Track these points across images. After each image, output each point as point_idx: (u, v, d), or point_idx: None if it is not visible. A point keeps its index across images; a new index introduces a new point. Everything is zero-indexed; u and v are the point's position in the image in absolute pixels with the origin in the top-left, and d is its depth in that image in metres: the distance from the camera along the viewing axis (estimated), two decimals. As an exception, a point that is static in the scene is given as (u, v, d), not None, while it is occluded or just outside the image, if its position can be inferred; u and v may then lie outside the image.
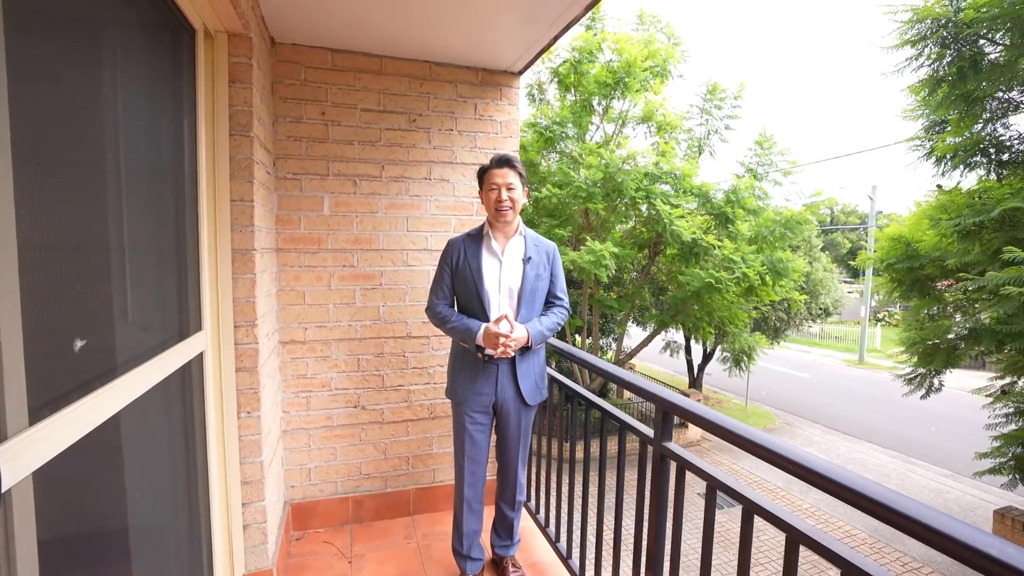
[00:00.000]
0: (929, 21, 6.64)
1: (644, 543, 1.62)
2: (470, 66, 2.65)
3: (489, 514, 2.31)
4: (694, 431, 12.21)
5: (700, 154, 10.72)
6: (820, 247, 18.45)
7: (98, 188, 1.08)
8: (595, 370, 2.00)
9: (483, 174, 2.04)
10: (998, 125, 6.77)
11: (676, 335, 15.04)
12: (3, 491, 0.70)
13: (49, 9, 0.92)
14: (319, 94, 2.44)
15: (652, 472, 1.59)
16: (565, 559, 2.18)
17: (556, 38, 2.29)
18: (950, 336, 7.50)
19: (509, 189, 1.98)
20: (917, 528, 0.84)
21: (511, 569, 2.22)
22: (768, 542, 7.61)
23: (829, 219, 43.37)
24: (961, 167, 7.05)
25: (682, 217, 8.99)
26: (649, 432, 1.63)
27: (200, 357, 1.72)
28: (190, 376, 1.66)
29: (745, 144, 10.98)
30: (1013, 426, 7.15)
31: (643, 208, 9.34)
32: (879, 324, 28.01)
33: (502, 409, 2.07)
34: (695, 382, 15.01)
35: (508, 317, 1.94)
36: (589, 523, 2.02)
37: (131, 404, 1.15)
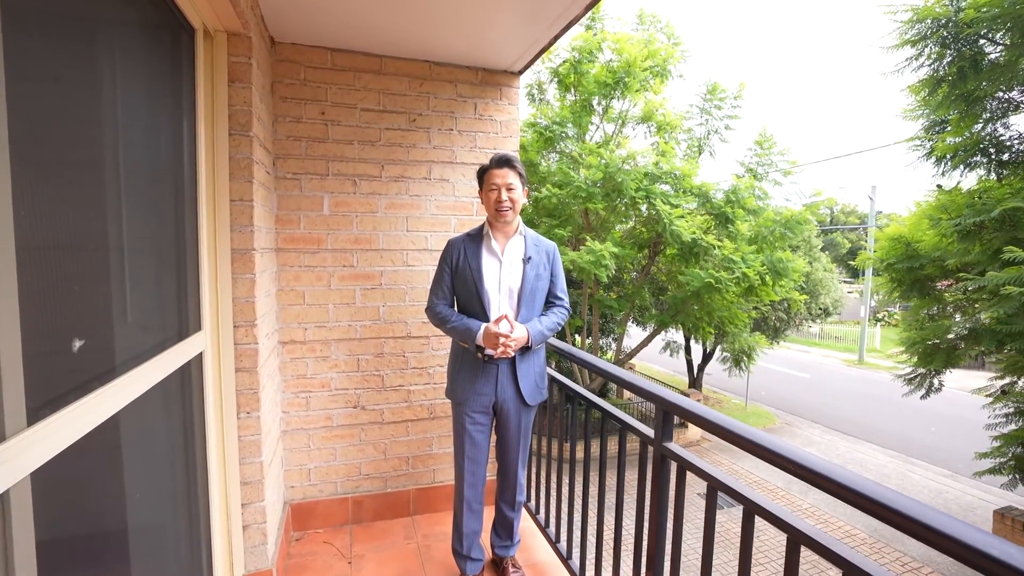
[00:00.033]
0: (929, 21, 6.64)
1: (644, 544, 1.62)
2: (470, 66, 2.64)
3: (489, 514, 2.31)
4: (694, 431, 12.21)
5: (700, 154, 10.72)
6: (820, 247, 18.46)
7: (97, 188, 1.07)
8: (595, 370, 2.00)
9: (483, 174, 2.04)
10: (998, 125, 6.77)
11: (676, 335, 15.04)
12: (1, 492, 0.69)
13: (47, 8, 0.92)
14: (319, 94, 2.44)
15: (652, 472, 1.58)
16: (565, 559, 2.18)
17: (556, 38, 2.29)
18: (950, 336, 7.50)
19: (509, 189, 1.98)
20: (917, 528, 0.84)
21: (511, 569, 2.22)
22: (768, 542, 7.61)
23: (829, 219, 43.38)
24: (961, 167, 7.05)
25: (682, 217, 8.99)
26: (649, 432, 1.63)
27: (199, 357, 1.72)
28: (189, 376, 1.66)
29: (745, 144, 10.99)
30: (1013, 426, 7.15)
31: (643, 208, 9.34)
32: (879, 324, 28.03)
33: (502, 409, 2.07)
34: (695, 382, 15.01)
35: (508, 317, 1.94)
36: (589, 523, 2.02)
37: (130, 404, 1.14)
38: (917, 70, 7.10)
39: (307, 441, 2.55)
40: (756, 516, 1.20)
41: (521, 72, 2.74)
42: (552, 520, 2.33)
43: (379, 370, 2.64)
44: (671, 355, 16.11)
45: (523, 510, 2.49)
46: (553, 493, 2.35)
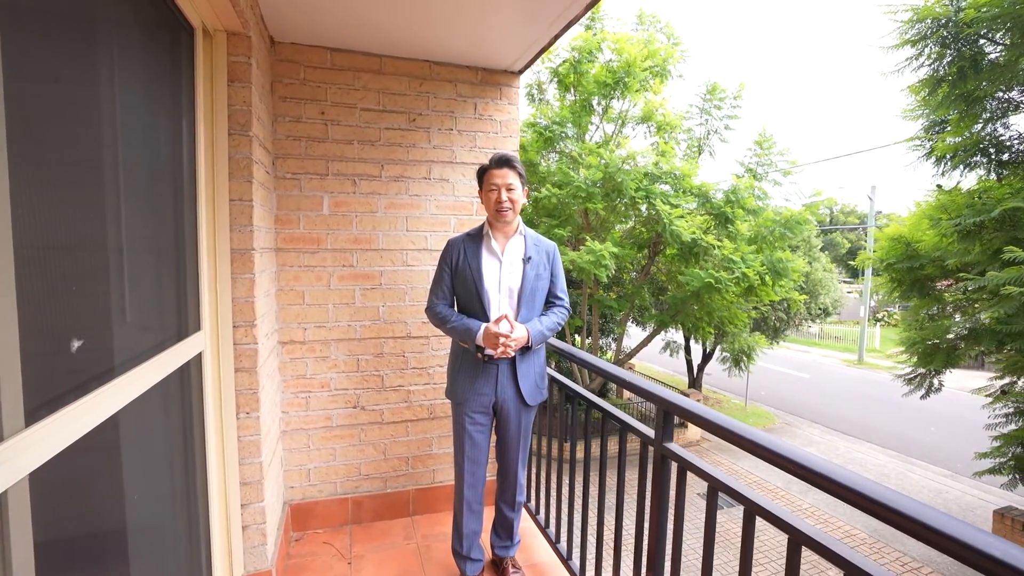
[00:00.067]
0: (929, 21, 6.64)
1: (645, 544, 1.61)
2: (470, 65, 2.64)
3: (489, 515, 2.31)
4: (694, 431, 12.21)
5: (700, 154, 10.72)
6: (819, 247, 18.46)
7: (96, 187, 1.07)
8: (595, 370, 2.00)
9: (483, 174, 2.03)
10: (998, 125, 6.77)
11: (676, 335, 15.04)
12: (-2, 493, 0.69)
13: (45, 7, 0.91)
14: (318, 93, 2.43)
15: (653, 473, 1.58)
16: (565, 560, 2.17)
17: (556, 37, 2.28)
18: (950, 336, 7.50)
19: (509, 190, 1.97)
20: (917, 528, 0.84)
21: (511, 570, 2.22)
22: (768, 542, 7.61)
23: (828, 219, 43.43)
24: (961, 167, 7.05)
25: (682, 217, 8.99)
26: (650, 433, 1.63)
27: (199, 357, 1.72)
28: (189, 377, 1.66)
29: (745, 144, 10.99)
30: (1013, 426, 7.15)
31: (643, 208, 9.34)
32: (878, 324, 28.06)
33: (502, 409, 2.06)
34: (695, 382, 15.01)
35: (508, 317, 1.93)
36: (589, 524, 2.02)
37: (129, 405, 1.14)
38: (917, 70, 7.11)
39: (307, 441, 2.55)
40: (757, 517, 1.19)
41: (521, 72, 2.73)
42: (552, 520, 2.33)
43: (379, 370, 2.64)
44: (671, 355, 16.12)
45: (523, 510, 2.48)
46: (553, 493, 2.35)
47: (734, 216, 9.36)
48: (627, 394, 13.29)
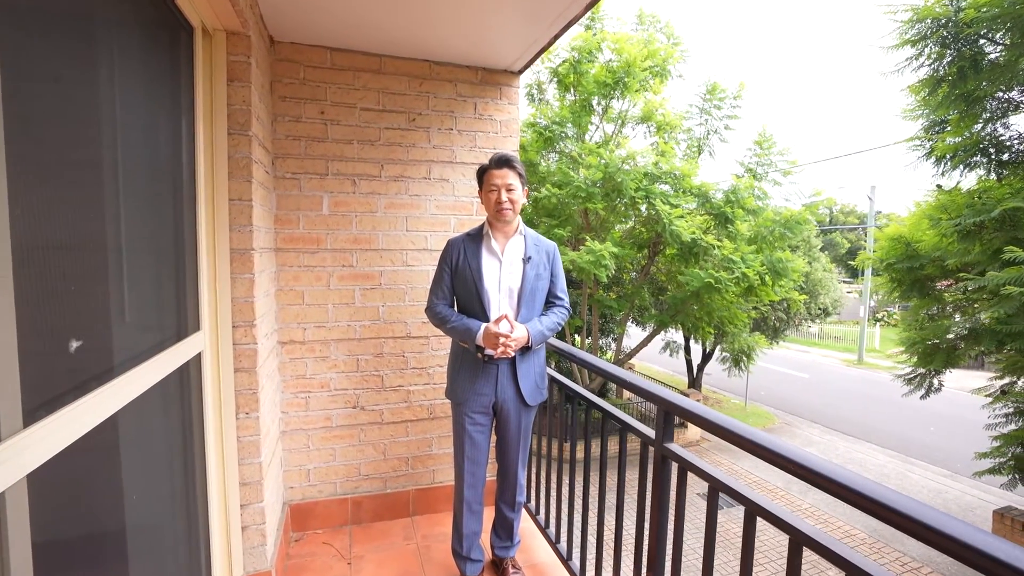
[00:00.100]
0: (929, 21, 6.64)
1: (645, 544, 1.61)
2: (470, 65, 2.64)
3: (489, 515, 2.30)
4: (693, 431, 12.21)
5: (699, 154, 10.72)
6: (819, 247, 18.46)
7: (94, 187, 1.06)
8: (595, 370, 1.99)
9: (482, 174, 2.03)
10: (998, 125, 6.77)
11: (675, 335, 15.04)
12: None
13: (44, 6, 0.91)
14: (318, 93, 2.43)
15: (653, 473, 1.58)
16: (565, 560, 2.17)
17: (556, 37, 2.28)
18: (950, 336, 7.51)
19: (509, 190, 1.97)
20: (917, 528, 0.84)
21: (511, 570, 2.21)
22: (768, 542, 7.61)
23: (828, 219, 43.45)
24: (961, 167, 7.05)
25: (681, 217, 8.99)
26: (650, 433, 1.62)
27: (198, 357, 1.71)
28: (188, 377, 1.65)
29: (745, 144, 10.99)
30: (1013, 426, 7.15)
31: (642, 208, 9.34)
32: (878, 324, 28.06)
33: (502, 410, 2.06)
34: (694, 382, 15.01)
35: (508, 317, 1.93)
36: (589, 524, 2.01)
37: (128, 405, 1.14)
38: (917, 70, 7.11)
39: (306, 442, 2.54)
40: (758, 517, 1.19)
41: (521, 72, 2.73)
42: (552, 521, 2.33)
43: (379, 370, 2.63)
44: (671, 355, 16.12)
45: (523, 511, 2.48)
46: (553, 493, 2.35)
47: (734, 216, 9.36)
48: (627, 394, 13.28)
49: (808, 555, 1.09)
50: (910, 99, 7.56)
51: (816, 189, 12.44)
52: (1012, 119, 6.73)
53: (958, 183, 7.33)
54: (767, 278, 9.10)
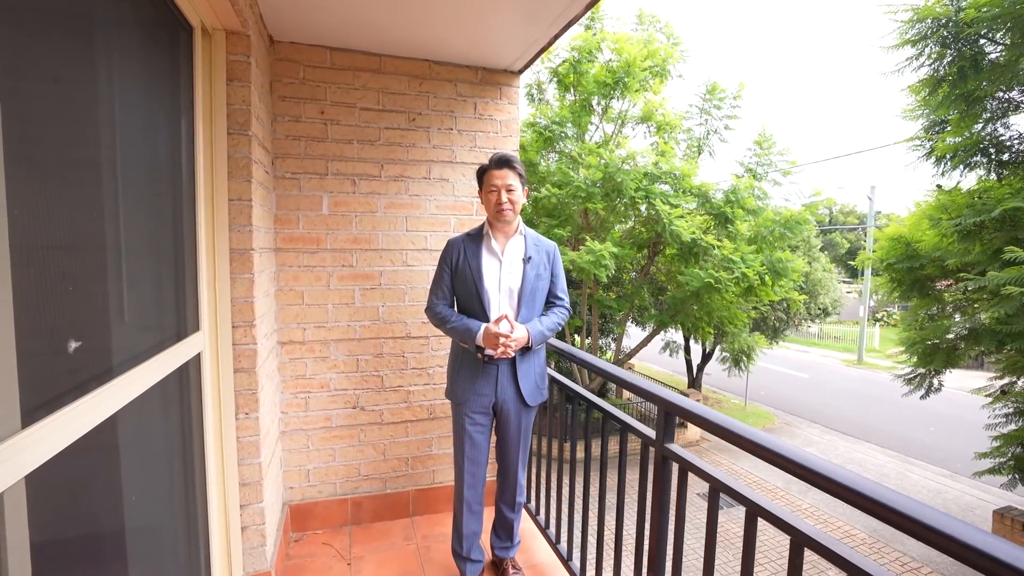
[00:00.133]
0: (930, 20, 6.64)
1: (646, 545, 1.61)
2: (470, 65, 2.63)
3: (489, 515, 2.30)
4: (693, 431, 12.21)
5: (699, 154, 10.72)
6: (819, 247, 18.46)
7: (94, 187, 1.06)
8: (595, 370, 1.99)
9: (482, 175, 2.02)
10: (998, 125, 6.77)
11: (675, 335, 15.04)
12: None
13: (43, 6, 0.91)
14: (318, 93, 2.43)
15: (654, 474, 1.57)
16: (566, 560, 2.17)
17: (556, 37, 2.28)
18: (950, 336, 7.50)
19: (509, 191, 1.96)
20: (917, 528, 0.84)
21: (511, 571, 2.21)
22: (768, 542, 7.60)
23: (828, 219, 43.46)
24: (961, 167, 7.05)
25: (681, 217, 8.98)
26: (651, 434, 1.62)
27: (198, 358, 1.71)
28: (188, 377, 1.65)
29: (744, 144, 10.98)
30: (1013, 426, 7.15)
31: (642, 208, 9.33)
32: (877, 324, 28.07)
33: (502, 410, 2.06)
34: (694, 382, 15.01)
35: (508, 317, 1.93)
36: (590, 524, 2.01)
37: (127, 406, 1.13)
38: (917, 70, 7.11)
39: (306, 442, 2.54)
40: (759, 518, 1.19)
41: (521, 71, 2.73)
42: (552, 521, 2.32)
43: (378, 370, 2.63)
44: (670, 355, 16.12)
45: (523, 511, 2.48)
46: (553, 494, 2.34)
47: (734, 216, 9.36)
48: (627, 394, 13.29)
49: (808, 555, 1.09)
50: (910, 99, 7.56)
51: (816, 189, 12.45)
52: (1012, 119, 6.73)
53: (958, 183, 7.34)
54: (767, 278, 9.10)
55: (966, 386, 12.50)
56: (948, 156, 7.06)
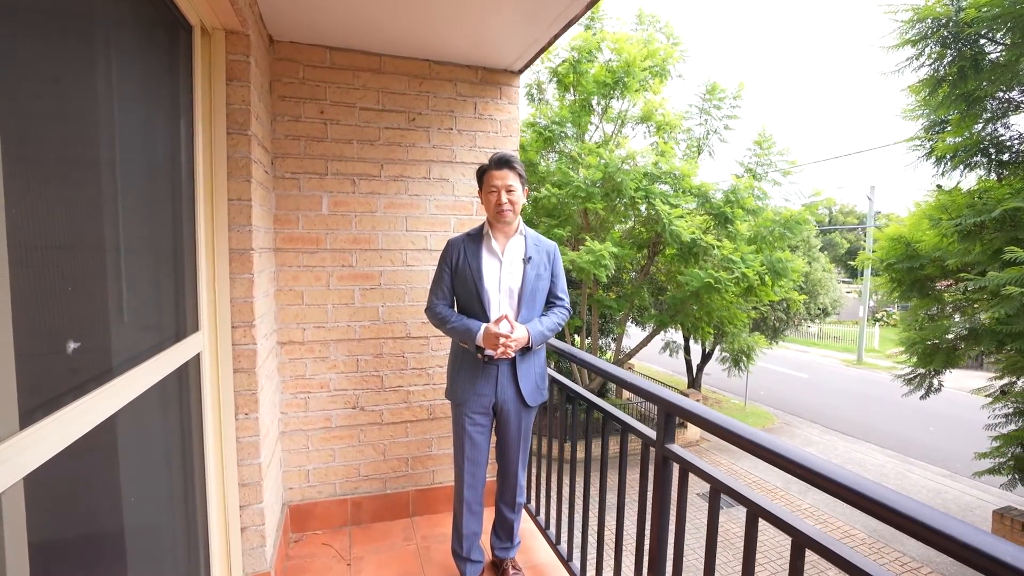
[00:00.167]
0: (930, 20, 6.64)
1: (647, 546, 1.60)
2: (470, 65, 2.63)
3: (489, 516, 2.30)
4: (693, 431, 12.21)
5: (699, 154, 10.72)
6: (819, 247, 18.46)
7: (93, 187, 1.06)
8: (596, 371, 1.99)
9: (482, 175, 2.02)
10: (998, 125, 6.77)
11: (675, 335, 15.04)
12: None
13: (41, 5, 0.90)
14: (318, 92, 2.42)
15: (655, 474, 1.57)
16: (566, 561, 2.16)
17: (556, 37, 2.27)
18: (949, 336, 7.51)
19: (509, 191, 1.96)
20: (917, 528, 0.83)
21: (511, 571, 2.21)
22: (767, 542, 7.60)
23: (827, 219, 43.47)
24: (961, 167, 7.05)
25: (681, 217, 8.98)
26: (651, 434, 1.62)
27: (197, 358, 1.70)
28: (187, 377, 1.64)
29: (744, 144, 10.99)
30: (1012, 426, 7.15)
31: (642, 208, 9.33)
32: (877, 324, 28.08)
33: (502, 410, 2.05)
34: (694, 382, 15.01)
35: (508, 317, 1.92)
36: (590, 525, 2.01)
37: (126, 406, 1.13)
38: (917, 70, 7.10)
39: (306, 442, 2.54)
40: (760, 519, 1.19)
41: (521, 71, 2.72)
42: (552, 521, 2.32)
43: (378, 371, 2.63)
44: (670, 355, 16.12)
45: (523, 511, 2.47)
46: (553, 494, 2.34)
47: (734, 216, 9.36)
48: (626, 394, 13.29)
49: (807, 555, 1.08)
50: (910, 99, 7.56)
51: (816, 189, 12.46)
52: (1012, 119, 6.73)
53: (958, 183, 7.34)
54: (767, 278, 9.10)
55: (966, 386, 12.51)
56: (948, 156, 7.06)
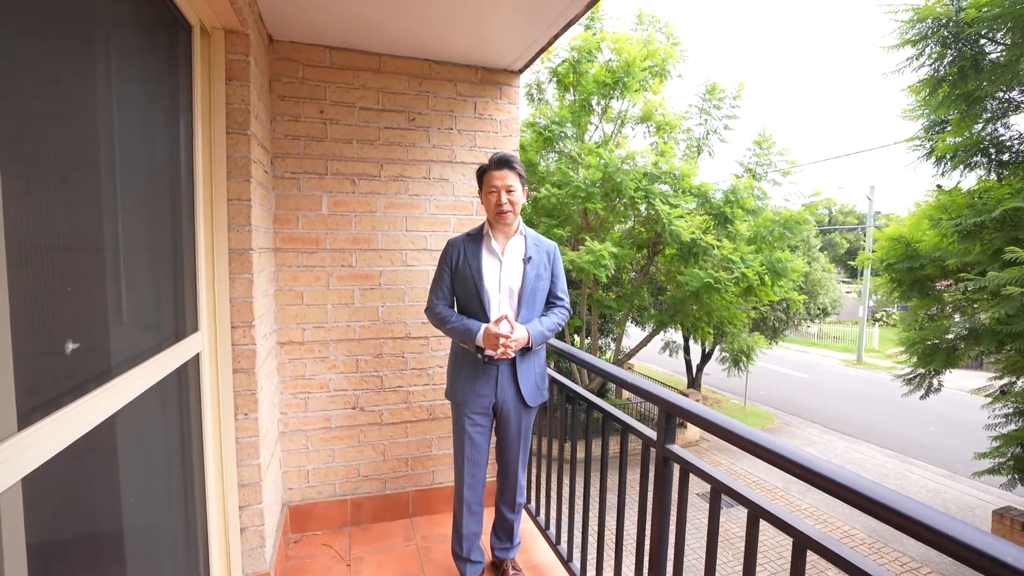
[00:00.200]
0: (930, 20, 6.64)
1: (647, 546, 1.60)
2: (470, 64, 2.62)
3: (489, 516, 2.29)
4: (693, 431, 12.21)
5: (699, 154, 10.71)
6: (818, 247, 18.46)
7: (92, 187, 1.05)
8: (595, 371, 1.98)
9: (482, 175, 2.02)
10: (998, 125, 6.77)
11: (675, 335, 15.04)
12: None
13: (41, 5, 0.90)
14: (317, 92, 2.42)
15: (655, 475, 1.57)
16: (566, 561, 2.16)
17: (556, 37, 2.27)
18: (949, 336, 7.51)
19: (509, 191, 1.96)
20: (917, 528, 0.83)
21: (511, 572, 2.20)
22: (768, 542, 7.60)
23: (827, 219, 43.48)
24: (961, 167, 7.05)
25: (681, 217, 8.98)
26: (652, 435, 1.61)
27: (196, 358, 1.70)
28: (186, 378, 1.64)
29: (744, 144, 10.99)
30: (1012, 426, 7.15)
31: (642, 208, 9.32)
32: (877, 324, 28.09)
33: (502, 411, 2.05)
34: (694, 382, 15.01)
35: (508, 317, 1.92)
36: (590, 525, 2.01)
37: (126, 407, 1.13)
38: (917, 70, 7.10)
39: (305, 442, 2.53)
40: (761, 520, 1.18)
41: (521, 71, 2.72)
42: (552, 522, 2.32)
43: (378, 371, 2.62)
44: (670, 355, 16.12)
45: (523, 512, 2.47)
46: (553, 494, 2.34)
47: (733, 216, 9.35)
48: (626, 394, 13.29)
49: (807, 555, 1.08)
50: (910, 99, 7.56)
51: (815, 189, 12.45)
52: (1012, 119, 6.73)
53: (958, 183, 7.34)
54: (766, 278, 9.10)
55: (966, 386, 12.51)
56: (948, 156, 7.06)
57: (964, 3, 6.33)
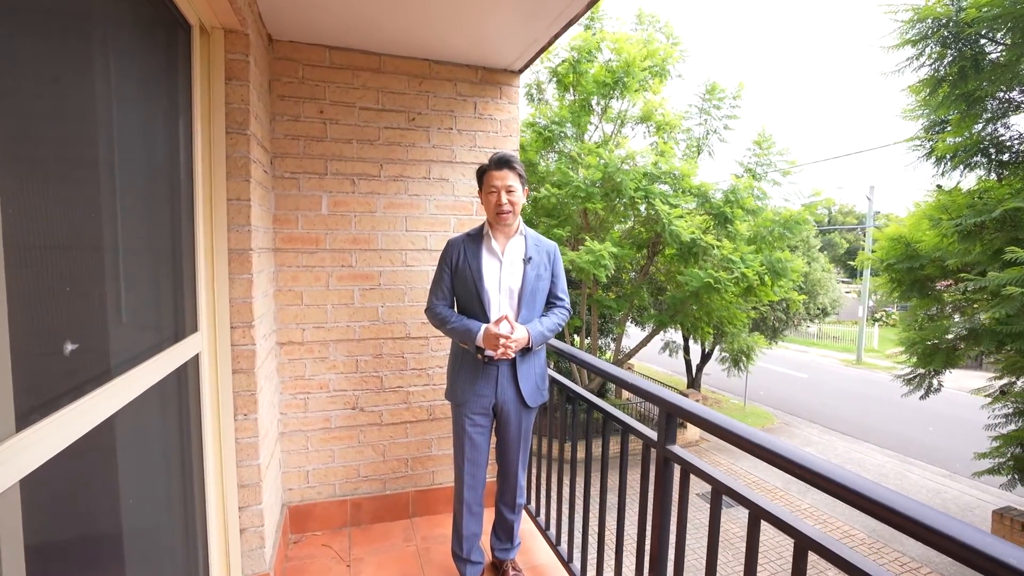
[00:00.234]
0: (930, 20, 6.63)
1: (648, 547, 1.60)
2: (470, 64, 2.62)
3: (489, 517, 2.29)
4: (693, 431, 12.21)
5: (699, 154, 10.71)
6: (818, 247, 18.46)
7: (91, 187, 1.05)
8: (595, 371, 1.98)
9: (482, 175, 2.01)
10: (998, 125, 6.76)
11: (675, 335, 15.04)
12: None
13: (41, 5, 0.90)
14: (317, 92, 2.41)
15: (656, 476, 1.56)
16: (566, 562, 2.16)
17: (556, 36, 2.27)
18: (949, 336, 7.51)
19: (509, 192, 1.95)
20: (917, 528, 0.83)
21: (511, 572, 2.20)
22: (768, 542, 7.60)
23: (827, 219, 43.48)
24: (961, 167, 7.05)
25: (681, 217, 8.98)
26: (652, 435, 1.61)
27: (196, 359, 1.70)
28: (186, 378, 1.64)
29: (744, 144, 10.98)
30: (1012, 426, 7.15)
31: (642, 208, 9.32)
32: (876, 324, 28.09)
33: (502, 411, 2.05)
34: (693, 382, 15.01)
35: (508, 318, 1.92)
36: (590, 526, 2.00)
37: (125, 408, 1.12)
38: (917, 70, 7.10)
39: (305, 443, 2.53)
40: (762, 520, 1.18)
41: (521, 71, 2.72)
42: (552, 522, 2.31)
43: (378, 371, 2.62)
44: (670, 355, 16.12)
45: (523, 512, 2.47)
46: (553, 495, 2.34)
47: (733, 216, 9.35)
48: (626, 394, 13.29)
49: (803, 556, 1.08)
50: (910, 99, 7.56)
51: (815, 189, 12.44)
52: (1013, 119, 6.73)
53: (958, 183, 7.34)
54: (766, 278, 9.10)
55: (965, 386, 12.52)
56: (948, 156, 7.06)
57: (964, 3, 6.33)
